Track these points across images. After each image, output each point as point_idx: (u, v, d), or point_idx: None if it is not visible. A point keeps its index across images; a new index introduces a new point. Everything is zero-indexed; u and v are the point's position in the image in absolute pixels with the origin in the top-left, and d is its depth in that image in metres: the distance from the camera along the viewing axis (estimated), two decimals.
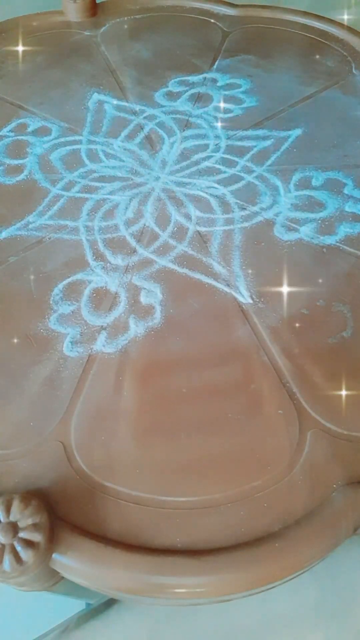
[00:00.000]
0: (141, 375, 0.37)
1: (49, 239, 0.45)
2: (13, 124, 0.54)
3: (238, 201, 0.47)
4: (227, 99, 0.57)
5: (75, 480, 0.32)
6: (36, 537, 0.28)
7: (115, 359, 0.37)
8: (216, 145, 0.52)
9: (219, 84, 0.59)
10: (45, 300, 0.40)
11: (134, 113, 0.56)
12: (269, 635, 0.40)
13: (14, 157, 0.51)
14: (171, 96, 0.58)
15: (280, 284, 0.41)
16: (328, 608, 0.41)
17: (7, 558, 0.27)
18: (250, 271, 0.42)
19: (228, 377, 0.37)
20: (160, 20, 0.69)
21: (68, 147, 0.52)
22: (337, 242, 0.45)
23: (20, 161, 0.51)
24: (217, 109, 0.56)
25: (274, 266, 0.43)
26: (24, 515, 0.29)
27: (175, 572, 0.28)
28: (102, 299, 0.41)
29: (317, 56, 0.63)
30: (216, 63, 0.62)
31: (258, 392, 0.36)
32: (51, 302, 0.40)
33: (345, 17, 0.69)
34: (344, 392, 0.36)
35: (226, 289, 0.41)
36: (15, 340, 0.38)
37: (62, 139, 0.53)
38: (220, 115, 0.56)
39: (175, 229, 0.45)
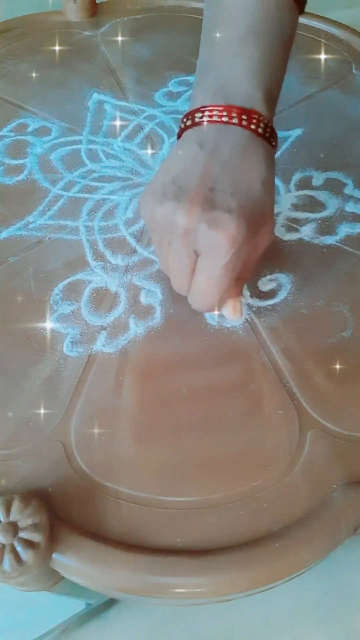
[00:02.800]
0: (141, 375, 0.37)
1: (49, 239, 0.45)
2: (13, 124, 0.54)
3: None
4: None
5: (75, 480, 0.32)
6: (36, 537, 0.28)
7: (115, 359, 0.37)
8: None
9: None
10: (45, 300, 0.40)
11: (134, 113, 0.56)
12: (269, 635, 0.40)
13: (14, 157, 0.51)
14: (171, 96, 0.58)
15: (280, 284, 0.41)
16: (328, 608, 0.41)
17: (7, 558, 0.27)
18: None
19: (228, 377, 0.37)
20: (160, 20, 0.69)
21: (68, 147, 0.52)
22: (337, 242, 0.45)
23: (20, 161, 0.51)
24: None
25: (274, 266, 0.43)
26: (24, 515, 0.29)
27: (175, 572, 0.28)
28: (102, 299, 0.41)
29: (317, 56, 0.63)
30: None
31: (258, 392, 0.36)
32: (51, 302, 0.40)
33: (345, 17, 0.69)
34: (344, 392, 0.36)
35: None
36: (15, 340, 0.38)
37: (62, 139, 0.53)
38: None
39: None
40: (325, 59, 0.63)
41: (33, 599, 0.39)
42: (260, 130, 0.34)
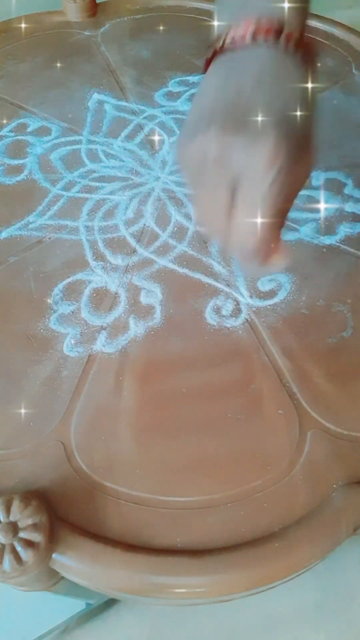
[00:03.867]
0: (141, 375, 0.37)
1: (49, 239, 0.45)
2: (13, 124, 0.54)
3: None
4: None
5: (75, 480, 0.32)
6: (36, 537, 0.28)
7: (115, 359, 0.37)
8: None
9: None
10: (45, 300, 0.40)
11: (134, 113, 0.56)
12: (269, 635, 0.40)
13: (14, 157, 0.51)
14: (171, 96, 0.58)
15: (280, 284, 0.41)
16: (328, 608, 0.41)
17: (7, 558, 0.27)
18: None
19: (228, 377, 0.37)
20: (160, 20, 0.69)
21: (68, 147, 0.52)
22: (337, 242, 0.45)
23: (20, 161, 0.51)
24: None
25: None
26: (24, 515, 0.29)
27: (175, 572, 0.28)
28: (102, 299, 0.41)
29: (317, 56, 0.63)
30: None
31: (258, 392, 0.36)
32: (51, 302, 0.40)
33: (345, 17, 0.69)
34: (344, 392, 0.36)
35: (226, 289, 0.41)
36: (15, 340, 0.38)
37: (62, 139, 0.53)
38: None
39: (175, 228, 0.45)
40: (325, 59, 0.63)
41: (33, 599, 0.39)
42: (292, 46, 0.30)
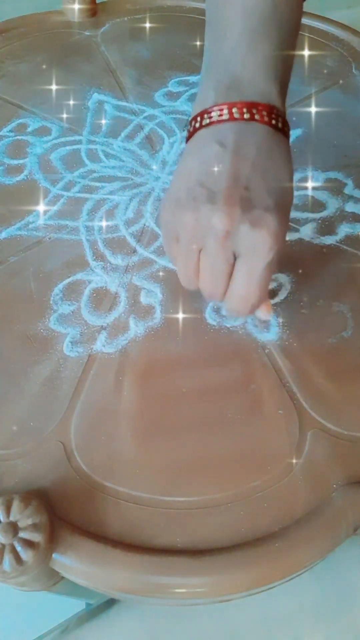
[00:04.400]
0: (141, 375, 0.37)
1: (49, 239, 0.45)
2: (13, 124, 0.54)
3: None
4: None
5: (75, 480, 0.32)
6: (36, 537, 0.28)
7: (115, 359, 0.37)
8: None
9: None
10: (45, 300, 0.40)
11: (134, 113, 0.56)
12: (269, 635, 0.40)
13: (14, 157, 0.51)
14: (171, 96, 0.58)
15: (280, 284, 0.41)
16: (328, 608, 0.41)
17: (7, 558, 0.27)
18: None
19: (228, 377, 0.37)
20: (160, 20, 0.69)
21: (68, 147, 0.52)
22: (337, 242, 0.45)
23: (20, 161, 0.51)
24: None
25: None
26: (24, 515, 0.29)
27: (175, 572, 0.28)
28: (102, 299, 0.41)
29: (317, 56, 0.63)
30: None
31: (258, 392, 0.36)
32: (51, 302, 0.40)
33: (345, 17, 0.69)
34: (344, 392, 0.36)
35: None
36: (15, 340, 0.38)
37: (62, 139, 0.53)
38: None
39: None
40: (325, 59, 0.63)
41: (33, 599, 0.39)
42: (279, 125, 0.33)
